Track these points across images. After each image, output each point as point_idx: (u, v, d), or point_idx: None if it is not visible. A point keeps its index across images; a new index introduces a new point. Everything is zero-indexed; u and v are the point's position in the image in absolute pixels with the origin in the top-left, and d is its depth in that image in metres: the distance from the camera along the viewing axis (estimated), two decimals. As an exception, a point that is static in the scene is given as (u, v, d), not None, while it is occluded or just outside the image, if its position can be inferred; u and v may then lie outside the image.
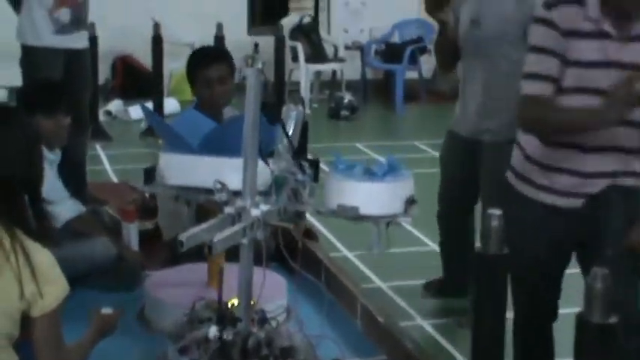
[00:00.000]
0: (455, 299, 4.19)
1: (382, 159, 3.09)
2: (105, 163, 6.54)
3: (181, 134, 3.00)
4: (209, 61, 4.03)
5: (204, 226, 2.64)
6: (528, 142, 2.88)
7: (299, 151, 3.05)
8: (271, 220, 2.78)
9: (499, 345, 2.53)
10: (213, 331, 2.69)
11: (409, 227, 4.91)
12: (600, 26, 2.57)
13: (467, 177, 4.06)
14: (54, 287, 2.17)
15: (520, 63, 3.81)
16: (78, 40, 5.19)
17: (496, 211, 2.48)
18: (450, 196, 4.24)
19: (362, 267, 4.63)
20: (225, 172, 2.84)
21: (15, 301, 2.11)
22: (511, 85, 3.90)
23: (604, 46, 2.58)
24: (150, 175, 3.35)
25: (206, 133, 3.00)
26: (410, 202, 2.92)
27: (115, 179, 6.15)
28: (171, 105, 8.09)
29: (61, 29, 5.06)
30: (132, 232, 3.58)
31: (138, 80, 8.99)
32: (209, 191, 2.84)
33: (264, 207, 2.76)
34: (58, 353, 2.28)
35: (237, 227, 2.66)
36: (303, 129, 4.50)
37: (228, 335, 2.68)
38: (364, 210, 2.77)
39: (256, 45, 8.99)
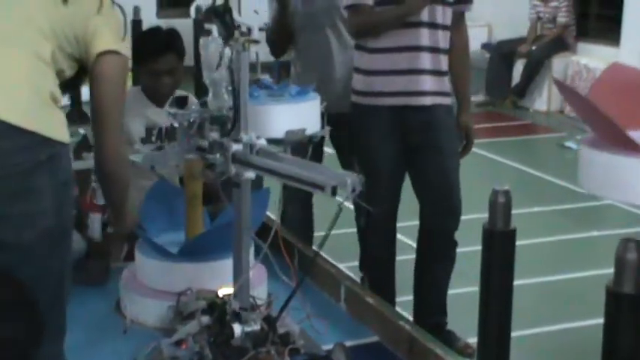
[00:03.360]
0: None
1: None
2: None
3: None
4: (158, 52, 3.79)
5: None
6: (364, 60, 3.74)
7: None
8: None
9: (507, 315, 2.56)
10: (237, 328, 2.60)
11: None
12: None
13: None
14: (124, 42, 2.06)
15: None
16: None
17: (503, 188, 2.48)
18: None
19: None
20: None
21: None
22: (348, 53, 4.13)
23: None
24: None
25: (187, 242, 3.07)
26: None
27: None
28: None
29: None
30: (96, 224, 3.43)
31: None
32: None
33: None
34: (120, 98, 2.14)
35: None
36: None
37: (254, 326, 2.61)
38: (309, 130, 2.90)
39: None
